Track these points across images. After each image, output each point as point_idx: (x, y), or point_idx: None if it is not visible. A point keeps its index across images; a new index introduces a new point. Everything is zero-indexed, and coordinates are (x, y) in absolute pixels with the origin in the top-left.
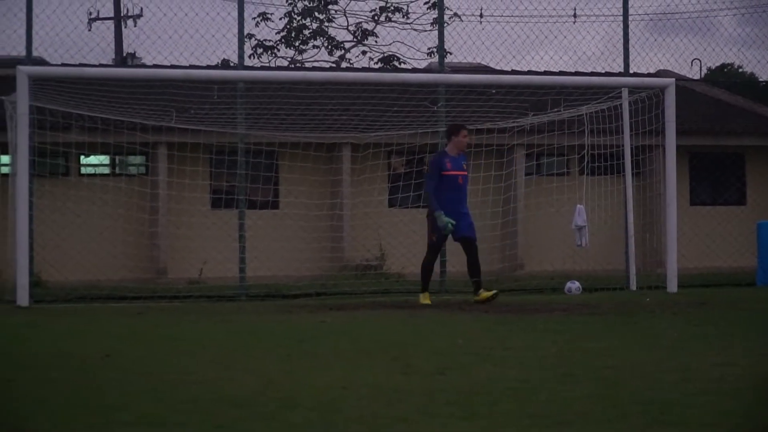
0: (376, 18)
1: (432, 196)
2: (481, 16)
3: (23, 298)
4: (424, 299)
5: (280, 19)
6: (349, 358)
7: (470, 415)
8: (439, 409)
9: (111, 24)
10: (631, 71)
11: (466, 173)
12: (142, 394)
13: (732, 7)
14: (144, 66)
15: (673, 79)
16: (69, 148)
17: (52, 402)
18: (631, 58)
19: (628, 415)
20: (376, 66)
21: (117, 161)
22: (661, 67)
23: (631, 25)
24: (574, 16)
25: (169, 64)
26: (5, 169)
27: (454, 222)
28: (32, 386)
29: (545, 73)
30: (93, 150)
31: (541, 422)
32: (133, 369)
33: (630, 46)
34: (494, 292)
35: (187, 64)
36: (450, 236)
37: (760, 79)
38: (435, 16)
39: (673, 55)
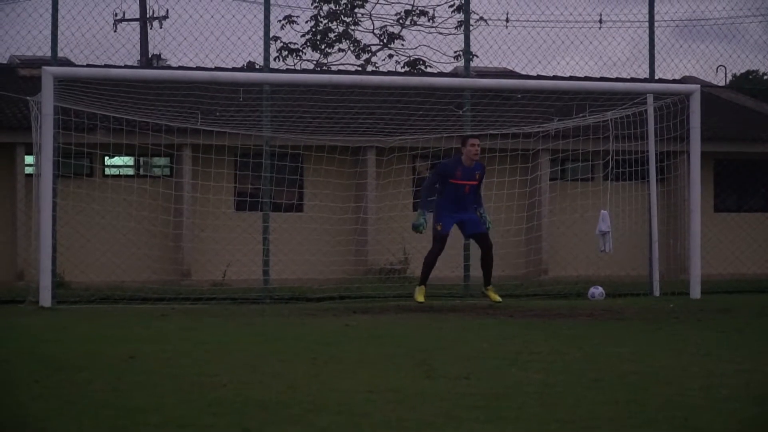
0: (401, 21)
1: (424, 194)
2: (507, 20)
3: (46, 299)
4: (420, 295)
5: (306, 22)
6: (374, 362)
7: (496, 420)
8: (465, 413)
9: (136, 25)
10: (656, 77)
11: (475, 183)
12: (169, 396)
13: (759, 14)
14: (169, 68)
15: (699, 85)
16: (93, 149)
17: (79, 404)
18: (656, 64)
19: (654, 421)
20: (402, 69)
21: (141, 163)
22: (687, 74)
23: (657, 31)
24: (600, 21)
25: (194, 66)
26: (30, 170)
27: (425, 226)
28: (58, 388)
29: (570, 78)
30: (117, 151)
31: (568, 427)
32: (159, 371)
33: (656, 52)
34: (500, 300)
35: (213, 66)
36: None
37: None
38: (461, 19)
39: (698, 62)
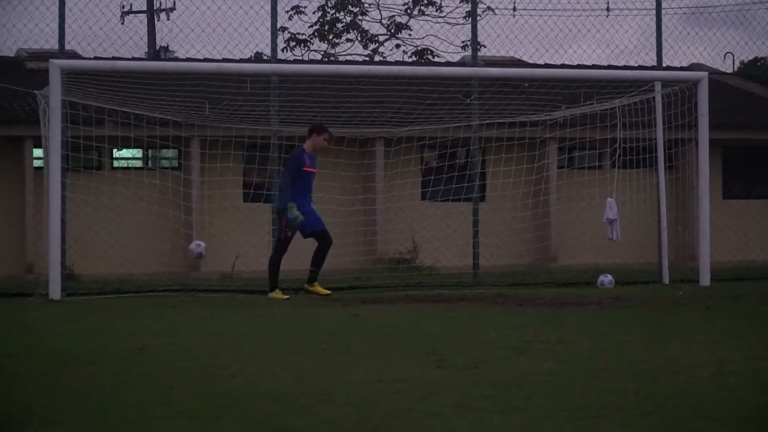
0: (409, 11)
1: (288, 190)
2: (514, 9)
3: (55, 291)
4: (277, 295)
5: (314, 12)
6: (383, 353)
7: (505, 409)
8: (474, 403)
9: (144, 17)
10: (664, 65)
11: (315, 171)
12: (178, 389)
13: None
14: (177, 59)
15: (706, 72)
16: (102, 143)
17: (88, 396)
18: (664, 51)
19: (664, 409)
20: (410, 60)
21: (150, 155)
22: (695, 61)
23: (665, 19)
24: (608, 9)
25: (202, 58)
26: (38, 163)
27: (302, 217)
28: (68, 380)
29: (578, 66)
30: (126, 144)
31: (577, 416)
32: (169, 363)
33: (663, 39)
34: (328, 292)
35: (220, 58)
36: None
37: None
38: (468, 9)
39: (705, 49)
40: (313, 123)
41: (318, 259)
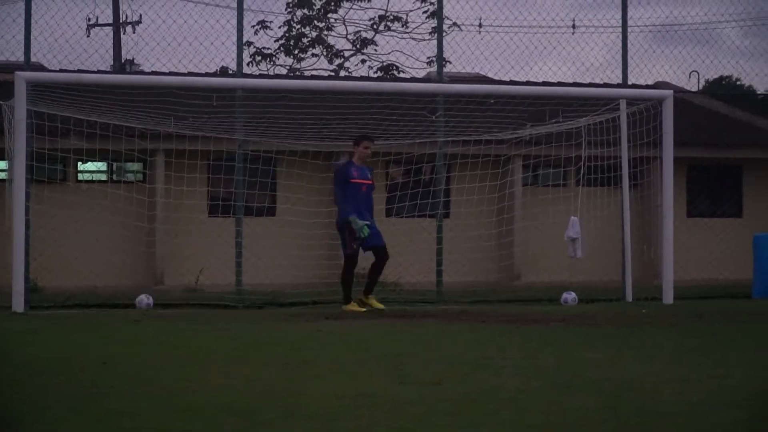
0: (375, 27)
1: (342, 204)
2: (480, 26)
3: (19, 303)
4: (353, 307)
5: (279, 27)
6: (346, 368)
7: (468, 425)
8: (438, 418)
9: (110, 30)
10: (629, 83)
11: (370, 183)
12: (142, 401)
13: (735, 19)
14: (143, 73)
15: (671, 91)
16: (67, 154)
17: (54, 408)
18: (630, 69)
19: (627, 426)
20: (375, 75)
21: (115, 168)
22: (661, 79)
23: (631, 36)
24: (574, 26)
25: (167, 71)
26: (2, 175)
27: (367, 222)
28: (33, 392)
29: (544, 83)
30: (91, 156)
31: None
32: (133, 376)
33: (629, 57)
34: (382, 307)
35: (186, 72)
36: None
37: (758, 92)
38: (434, 25)
39: (671, 67)
40: (357, 134)
41: (375, 273)
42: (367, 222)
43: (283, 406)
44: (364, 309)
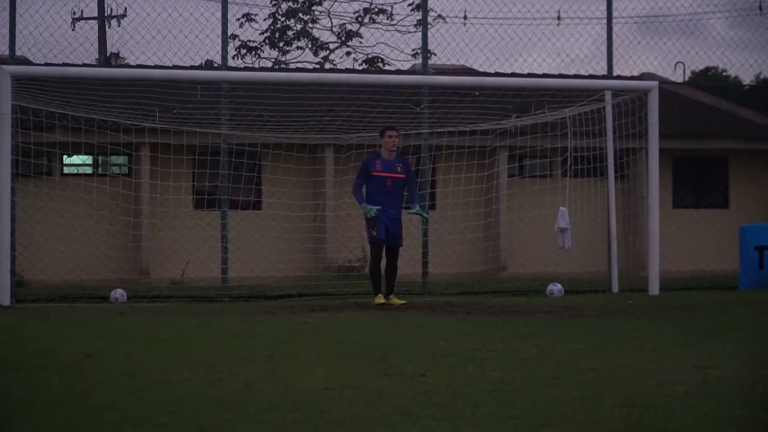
0: (360, 19)
1: (356, 192)
2: (465, 18)
3: (5, 297)
4: (382, 300)
5: (264, 20)
6: (331, 360)
7: (452, 417)
8: (422, 410)
9: (95, 24)
10: (615, 74)
11: (398, 176)
12: (126, 395)
13: (721, 10)
14: (128, 66)
15: (656, 82)
16: (52, 148)
17: (37, 402)
18: (615, 60)
19: (611, 418)
20: (360, 67)
21: (100, 161)
22: (646, 70)
23: (617, 28)
24: (559, 18)
25: (152, 65)
26: None
27: (378, 207)
28: (16, 387)
29: (529, 75)
30: (76, 150)
31: (524, 424)
32: (117, 369)
33: (614, 48)
34: (404, 302)
35: (171, 65)
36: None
37: (744, 83)
38: (419, 17)
39: (657, 58)
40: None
41: (390, 274)
42: (378, 207)
43: (267, 398)
44: (402, 301)
